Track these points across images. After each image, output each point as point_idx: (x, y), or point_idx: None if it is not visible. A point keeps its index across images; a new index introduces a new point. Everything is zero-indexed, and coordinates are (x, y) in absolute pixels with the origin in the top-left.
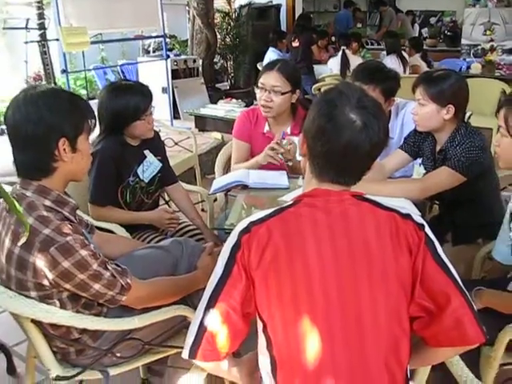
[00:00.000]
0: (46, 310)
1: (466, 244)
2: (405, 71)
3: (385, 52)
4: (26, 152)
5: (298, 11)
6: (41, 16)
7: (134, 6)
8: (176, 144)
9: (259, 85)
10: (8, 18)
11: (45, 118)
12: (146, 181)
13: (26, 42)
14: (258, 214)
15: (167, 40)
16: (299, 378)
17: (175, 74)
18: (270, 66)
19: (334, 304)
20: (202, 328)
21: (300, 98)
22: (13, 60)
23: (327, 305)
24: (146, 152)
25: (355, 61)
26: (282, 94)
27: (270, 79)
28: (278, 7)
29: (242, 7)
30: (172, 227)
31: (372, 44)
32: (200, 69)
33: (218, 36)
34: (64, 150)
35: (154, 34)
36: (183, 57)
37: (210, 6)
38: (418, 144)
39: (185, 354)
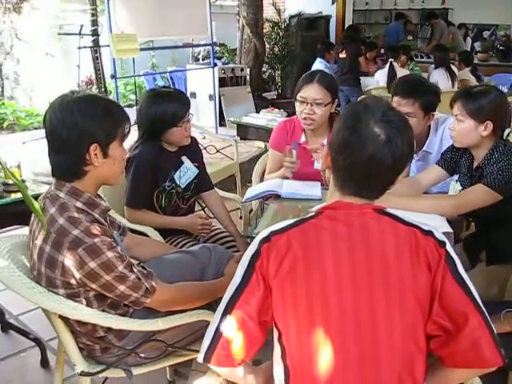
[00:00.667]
0: (73, 307)
1: (500, 264)
2: (453, 85)
3: (434, 65)
4: (59, 155)
5: (348, 23)
6: (94, 23)
7: (184, 15)
8: (218, 151)
9: (299, 98)
10: (64, 23)
11: (78, 123)
12: (183, 186)
13: (80, 48)
14: (280, 224)
15: (217, 48)
16: None
17: (222, 82)
18: (309, 78)
19: (348, 317)
20: (217, 333)
21: (336, 109)
22: (67, 64)
23: (342, 318)
24: (184, 158)
25: (402, 74)
26: (325, 105)
27: (311, 92)
28: (327, 18)
29: (291, 17)
30: (204, 233)
31: (422, 57)
32: (247, 77)
33: (267, 45)
34: (96, 155)
35: (202, 42)
36: (231, 65)
37: (259, 16)
38: (456, 160)
39: (200, 358)
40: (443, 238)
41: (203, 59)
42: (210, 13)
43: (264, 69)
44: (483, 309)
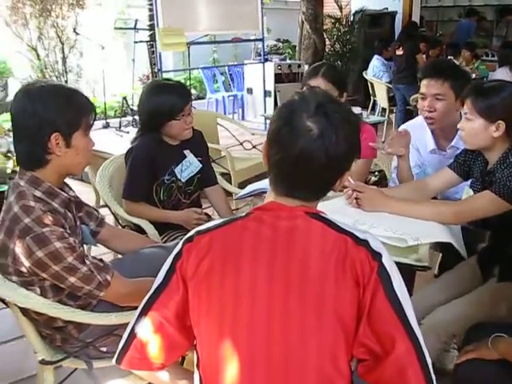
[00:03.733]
0: (24, 295)
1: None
2: None
3: None
4: (21, 143)
5: (415, 19)
6: (151, 17)
7: (234, 9)
8: (254, 147)
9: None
10: (128, 18)
11: (39, 112)
12: (184, 180)
13: (136, 42)
14: (207, 224)
15: (280, 44)
16: None
17: (279, 78)
18: (314, 71)
19: (259, 332)
20: (132, 335)
21: (346, 102)
22: (128, 59)
23: (252, 331)
24: (187, 152)
25: None
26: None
27: (316, 86)
28: (393, 14)
29: (355, 13)
30: None
31: (493, 56)
32: (305, 74)
33: (328, 42)
34: (57, 144)
35: (253, 37)
36: (288, 61)
37: (319, 12)
38: (469, 163)
39: (113, 360)
40: (380, 248)
41: (266, 55)
42: (261, 7)
43: None
44: (417, 334)
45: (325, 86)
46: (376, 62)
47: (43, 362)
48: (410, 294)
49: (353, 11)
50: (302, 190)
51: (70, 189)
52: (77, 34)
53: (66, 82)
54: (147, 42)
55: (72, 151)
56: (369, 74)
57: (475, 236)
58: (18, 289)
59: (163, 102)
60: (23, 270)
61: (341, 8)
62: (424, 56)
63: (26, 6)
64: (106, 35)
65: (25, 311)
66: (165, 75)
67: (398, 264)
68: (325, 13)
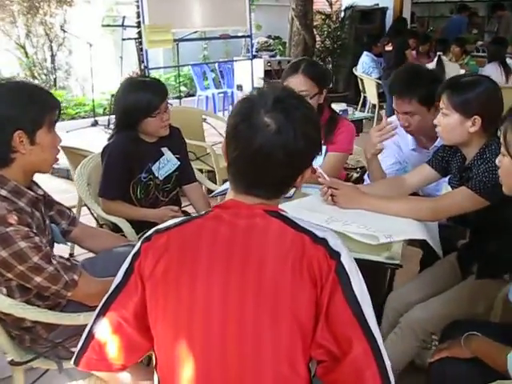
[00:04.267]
0: None
1: (491, 279)
2: (507, 81)
3: None
4: None
5: (406, 15)
6: (139, 15)
7: (221, 6)
8: None
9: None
10: (116, 16)
11: (0, 110)
12: (161, 178)
13: (123, 39)
14: (167, 223)
15: (270, 41)
16: None
17: (268, 75)
18: (294, 67)
19: (214, 334)
20: (90, 335)
21: (327, 98)
22: (117, 56)
23: (207, 333)
24: (164, 149)
25: (453, 68)
26: (311, 97)
27: (296, 83)
28: (384, 10)
29: (345, 9)
30: None
31: (484, 51)
32: (284, 71)
33: (318, 38)
34: (22, 142)
35: (240, 34)
36: (278, 58)
37: (308, 8)
38: (447, 159)
39: (72, 361)
40: (339, 247)
41: (257, 51)
42: (249, 4)
43: None
44: (375, 336)
45: (305, 82)
46: (365, 58)
47: (13, 363)
48: (390, 291)
49: (343, 7)
50: (261, 187)
51: (39, 187)
52: (64, 31)
53: (55, 79)
54: (135, 39)
55: (37, 148)
56: (358, 70)
57: (456, 233)
58: None
59: (139, 99)
60: None
61: (331, 4)
62: (414, 52)
63: (14, 4)
64: (94, 32)
65: None
66: (153, 72)
67: (370, 262)
68: (315, 9)
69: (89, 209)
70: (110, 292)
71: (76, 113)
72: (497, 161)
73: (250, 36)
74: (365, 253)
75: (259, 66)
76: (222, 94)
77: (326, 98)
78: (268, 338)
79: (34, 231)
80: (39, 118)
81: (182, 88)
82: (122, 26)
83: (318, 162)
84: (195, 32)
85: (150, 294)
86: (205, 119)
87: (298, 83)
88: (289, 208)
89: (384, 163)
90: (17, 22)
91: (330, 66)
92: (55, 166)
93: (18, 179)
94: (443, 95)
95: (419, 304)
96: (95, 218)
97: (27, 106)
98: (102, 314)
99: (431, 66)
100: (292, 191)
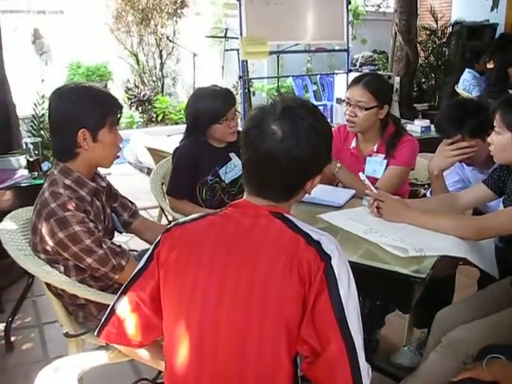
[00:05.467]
0: (46, 271)
1: None
2: None
3: None
4: (55, 137)
5: None
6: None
7: (319, 19)
8: None
9: (345, 99)
10: (224, 28)
11: (68, 110)
12: (227, 181)
13: (226, 50)
14: (189, 217)
15: (375, 56)
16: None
17: None
18: (357, 80)
19: (209, 321)
20: (111, 311)
21: (391, 115)
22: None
23: (203, 320)
24: (232, 155)
25: None
26: (366, 109)
27: (355, 94)
28: (494, 26)
29: (453, 25)
30: None
31: None
32: (395, 85)
33: (422, 54)
34: (85, 139)
35: (337, 48)
36: (377, 72)
37: (412, 23)
38: (504, 179)
39: (95, 332)
40: (333, 251)
41: (361, 66)
42: (347, 18)
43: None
44: (353, 338)
45: (363, 93)
46: (467, 75)
47: (67, 335)
48: (449, 303)
49: (450, 23)
50: (269, 190)
51: (103, 180)
52: (170, 41)
53: (163, 86)
54: (237, 50)
55: (99, 146)
56: (459, 87)
57: None
58: (44, 265)
59: (207, 106)
60: (48, 248)
61: (436, 20)
62: None
63: (129, 15)
64: (202, 43)
65: (53, 288)
66: (256, 82)
67: (396, 273)
68: (420, 24)
69: (160, 207)
70: (133, 274)
71: (179, 118)
72: (489, 139)
73: (347, 50)
74: (395, 264)
75: (346, 79)
76: (321, 107)
77: (388, 113)
78: (255, 327)
79: (91, 218)
80: (102, 118)
81: None
82: (225, 37)
83: (378, 174)
84: (297, 44)
85: (162, 279)
86: None
87: (356, 94)
88: (334, 216)
89: (448, 180)
90: (130, 32)
91: (433, 82)
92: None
93: (81, 171)
94: (497, 113)
95: (464, 325)
96: (165, 215)
97: (91, 106)
98: (123, 293)
99: None
100: (342, 201)
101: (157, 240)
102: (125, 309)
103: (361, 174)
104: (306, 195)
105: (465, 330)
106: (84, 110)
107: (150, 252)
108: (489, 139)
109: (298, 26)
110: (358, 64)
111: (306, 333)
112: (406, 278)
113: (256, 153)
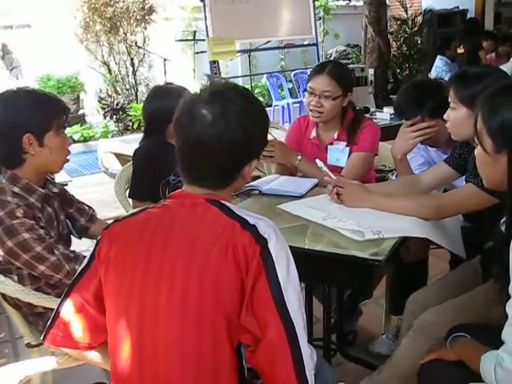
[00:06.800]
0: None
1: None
2: None
3: None
4: (0, 144)
5: (488, 16)
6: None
7: (285, 16)
8: None
9: (308, 89)
10: (193, 31)
11: (10, 115)
12: None
13: (196, 53)
14: (129, 212)
15: (349, 50)
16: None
17: None
18: (320, 68)
19: (146, 316)
20: (56, 314)
21: (350, 102)
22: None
23: (140, 316)
24: None
25: None
26: (334, 99)
27: (320, 83)
28: (464, 13)
29: (424, 14)
30: None
31: None
32: (369, 78)
33: (394, 44)
34: (31, 144)
35: (306, 43)
36: (350, 66)
37: (382, 14)
38: (465, 156)
39: (42, 336)
40: (270, 235)
41: (335, 59)
42: (314, 13)
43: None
44: (292, 321)
45: (329, 82)
46: (438, 62)
47: (28, 346)
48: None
49: (420, 11)
50: (204, 177)
51: (55, 186)
52: (139, 47)
53: (137, 93)
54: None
55: (45, 150)
56: (432, 75)
57: (484, 235)
58: None
59: (162, 105)
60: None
61: (406, 9)
62: (493, 54)
63: (97, 24)
64: (174, 48)
65: (9, 298)
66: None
67: (353, 257)
68: (390, 15)
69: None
70: (76, 275)
71: None
72: (445, 116)
73: (315, 44)
74: (352, 248)
75: None
76: (297, 104)
77: (349, 101)
78: (192, 319)
79: (42, 224)
80: (47, 122)
81: (260, 99)
82: (194, 40)
83: (342, 163)
84: (268, 42)
85: (103, 276)
86: None
87: (322, 83)
88: (293, 206)
89: (413, 163)
90: (100, 41)
91: (407, 72)
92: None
93: (30, 177)
94: (451, 89)
95: (434, 307)
96: None
97: (35, 110)
98: (67, 295)
99: (506, 68)
100: (303, 190)
101: (98, 238)
102: (69, 310)
103: (317, 160)
104: (267, 187)
105: (435, 312)
106: (28, 114)
107: (92, 251)
108: (445, 116)
109: (265, 23)
110: (332, 59)
111: (247, 320)
112: (363, 261)
113: (187, 139)
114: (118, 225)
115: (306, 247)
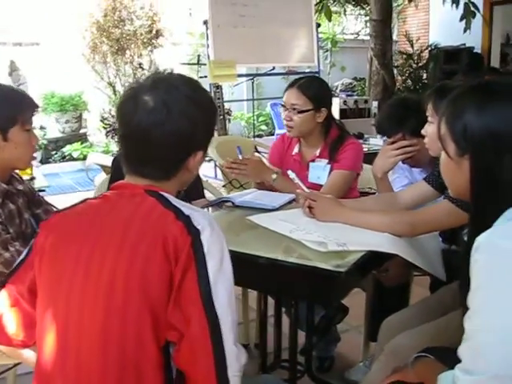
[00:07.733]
0: None
1: None
2: None
3: None
4: None
5: (495, 54)
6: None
7: (288, 43)
8: None
9: (282, 102)
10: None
11: None
12: None
13: (200, 77)
14: (70, 204)
15: (355, 83)
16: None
17: (344, 114)
18: (292, 83)
19: (72, 310)
20: None
21: (335, 119)
22: None
23: (67, 309)
24: None
25: None
26: (300, 112)
27: (290, 97)
28: (470, 50)
29: (430, 49)
30: None
31: None
32: (372, 110)
33: (399, 78)
34: None
35: (308, 70)
36: (354, 97)
37: (387, 47)
38: None
39: None
40: (204, 227)
41: (341, 91)
42: (317, 41)
43: None
44: (218, 316)
45: (298, 96)
46: None
47: None
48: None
49: (427, 47)
50: (146, 167)
51: (21, 184)
52: (142, 69)
53: None
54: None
55: (10, 145)
56: None
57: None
58: None
59: None
60: None
61: (412, 45)
62: None
63: (104, 45)
64: (179, 72)
65: None
66: (236, 112)
67: (316, 268)
68: (397, 49)
69: None
70: (13, 267)
71: None
72: (423, 131)
73: (317, 72)
74: (317, 260)
75: (335, 104)
76: None
77: (327, 117)
78: (116, 313)
79: (0, 220)
80: (11, 117)
81: (264, 127)
82: (198, 63)
83: (322, 181)
84: (273, 69)
85: (37, 267)
86: (256, 149)
87: (291, 97)
88: (262, 218)
89: (396, 184)
90: (107, 62)
91: None
92: None
93: None
94: (429, 103)
95: (407, 330)
96: None
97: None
98: (1, 286)
99: None
100: (277, 204)
101: (37, 231)
102: (2, 304)
103: (289, 172)
104: (241, 199)
105: (407, 336)
106: None
107: (30, 243)
108: (422, 131)
109: (268, 49)
110: (338, 91)
111: (173, 316)
112: (325, 272)
113: (129, 127)
114: (57, 216)
115: (273, 257)
